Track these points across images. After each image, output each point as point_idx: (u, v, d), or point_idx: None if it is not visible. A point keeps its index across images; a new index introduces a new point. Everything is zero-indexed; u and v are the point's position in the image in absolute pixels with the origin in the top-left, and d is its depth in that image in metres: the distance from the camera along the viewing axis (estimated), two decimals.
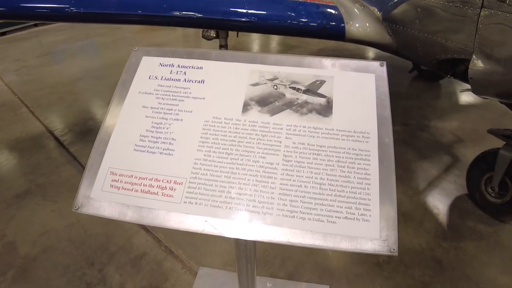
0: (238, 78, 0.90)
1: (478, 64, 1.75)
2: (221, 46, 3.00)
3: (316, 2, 2.43)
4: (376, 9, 2.31)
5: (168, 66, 0.95)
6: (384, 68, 0.91)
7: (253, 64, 0.92)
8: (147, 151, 0.85)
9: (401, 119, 3.56)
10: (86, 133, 3.27)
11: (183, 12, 2.06)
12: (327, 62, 0.91)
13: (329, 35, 2.39)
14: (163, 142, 0.85)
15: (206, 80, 0.92)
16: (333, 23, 2.35)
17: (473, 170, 2.27)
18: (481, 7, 1.64)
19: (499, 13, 1.57)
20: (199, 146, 0.83)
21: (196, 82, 0.91)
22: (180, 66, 0.94)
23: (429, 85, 4.28)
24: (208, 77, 0.92)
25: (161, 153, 0.84)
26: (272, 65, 0.91)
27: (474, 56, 1.76)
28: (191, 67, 0.93)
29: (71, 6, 1.97)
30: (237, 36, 2.92)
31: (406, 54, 2.36)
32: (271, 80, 0.89)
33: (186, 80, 0.92)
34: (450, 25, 1.84)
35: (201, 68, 0.93)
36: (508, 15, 1.51)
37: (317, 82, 0.86)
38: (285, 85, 0.87)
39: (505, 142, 2.02)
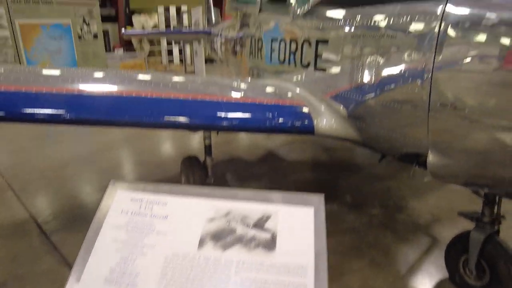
0: (197, 214, 1.05)
1: (434, 157, 1.94)
2: (205, 138, 3.26)
3: (288, 103, 2.72)
4: (341, 107, 2.56)
5: (138, 201, 1.10)
6: (322, 201, 1.06)
7: (212, 199, 1.08)
8: (115, 285, 0.96)
9: (380, 201, 3.69)
10: (71, 221, 3.32)
11: (165, 118, 2.29)
12: (274, 196, 1.07)
13: (300, 132, 2.63)
14: (129, 276, 0.97)
15: (169, 215, 1.07)
16: (303, 121, 2.60)
17: (450, 252, 2.37)
18: (428, 110, 1.86)
19: (444, 114, 1.78)
20: (159, 281, 0.94)
21: (161, 217, 1.06)
22: (148, 202, 1.09)
23: (404, 164, 4.50)
24: (172, 212, 1.07)
25: (126, 286, 0.95)
26: (228, 200, 1.07)
27: (430, 151, 1.95)
28: (157, 203, 1.09)
29: (66, 112, 2.18)
30: (217, 134, 3.19)
31: (372, 147, 2.57)
32: (225, 215, 1.04)
33: (152, 216, 1.07)
34: (405, 123, 2.06)
35: (166, 204, 1.09)
36: (452, 114, 1.70)
37: (264, 218, 1.01)
38: (237, 220, 1.02)
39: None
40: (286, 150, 5.26)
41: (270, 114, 2.59)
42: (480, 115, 1.59)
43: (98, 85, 2.39)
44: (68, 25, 10.28)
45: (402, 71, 1.93)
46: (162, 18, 18.35)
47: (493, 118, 1.56)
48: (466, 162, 1.78)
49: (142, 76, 2.64)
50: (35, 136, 5.94)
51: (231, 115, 2.51)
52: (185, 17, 16.85)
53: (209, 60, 15.53)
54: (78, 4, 10.61)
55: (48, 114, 2.17)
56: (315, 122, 2.61)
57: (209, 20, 9.29)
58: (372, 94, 2.17)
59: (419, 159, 2.23)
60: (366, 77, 2.19)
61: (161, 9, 18.59)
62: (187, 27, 16.79)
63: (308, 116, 2.63)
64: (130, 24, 18.09)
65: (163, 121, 2.30)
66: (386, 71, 2.04)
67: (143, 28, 17.44)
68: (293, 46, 3.01)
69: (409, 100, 1.91)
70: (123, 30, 11.73)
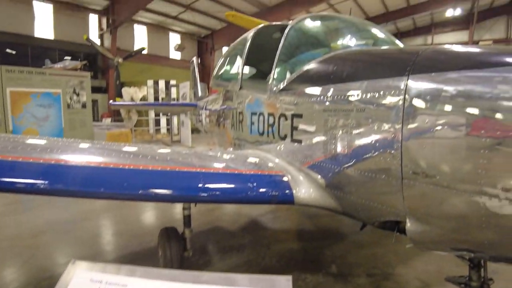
0: None
1: (412, 225, 1.93)
2: (184, 209, 3.21)
3: (266, 172, 2.75)
4: (319, 177, 2.60)
5: (98, 282, 1.04)
6: (290, 283, 1.03)
7: (174, 282, 1.03)
8: None
9: (365, 269, 3.59)
10: None
11: (142, 190, 2.26)
12: (241, 279, 1.03)
13: (279, 202, 2.62)
14: None
15: None
16: (282, 191, 2.60)
17: None
18: (401, 178, 1.89)
19: (417, 182, 1.81)
20: None
21: None
22: (107, 283, 1.03)
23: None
24: None
25: None
26: (191, 284, 1.02)
27: (407, 218, 1.95)
28: (117, 285, 1.03)
29: (44, 183, 2.13)
30: (195, 205, 3.15)
31: (351, 215, 2.56)
32: None
33: None
34: (381, 192, 2.08)
35: (126, 286, 1.03)
36: (425, 182, 1.73)
37: None
38: None
39: None
40: (270, 219, 5.17)
41: (250, 184, 2.59)
42: (451, 181, 1.64)
43: (75, 156, 2.39)
44: (58, 94, 10.53)
45: (374, 142, 2.01)
46: (151, 91, 19.11)
47: (464, 183, 1.60)
48: (444, 228, 1.79)
49: (121, 147, 2.65)
50: (11, 201, 5.73)
51: (211, 186, 2.50)
52: (173, 90, 17.65)
53: (195, 130, 15.91)
54: (70, 76, 11.03)
55: (21, 184, 2.13)
56: (294, 191, 2.62)
57: (195, 93, 9.73)
58: (347, 164, 2.23)
59: (399, 226, 2.22)
60: (340, 148, 2.26)
61: (150, 83, 19.46)
62: (175, 100, 17.49)
63: (287, 185, 2.64)
64: (120, 95, 18.70)
65: (140, 193, 2.27)
66: (359, 142, 2.12)
67: (132, 99, 18.01)
68: (271, 119, 3.15)
69: (383, 169, 1.97)
70: (110, 101, 12.06)
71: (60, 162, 2.26)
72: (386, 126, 1.92)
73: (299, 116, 2.71)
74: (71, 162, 2.28)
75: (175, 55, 25.38)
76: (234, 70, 4.57)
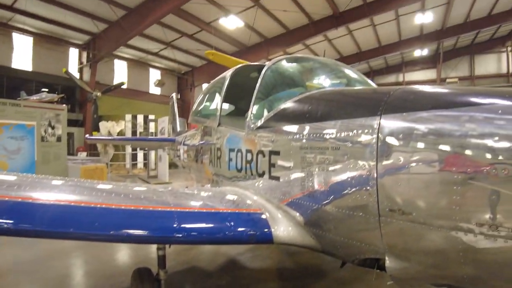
0: None
1: (392, 261, 1.93)
2: (158, 249, 3.08)
3: (244, 211, 2.71)
4: (297, 214, 2.58)
5: None
6: None
7: None
8: None
9: None
10: None
11: (113, 231, 2.17)
12: None
13: (258, 242, 2.57)
14: None
15: None
16: (261, 230, 2.56)
17: None
18: (379, 216, 1.91)
19: (394, 219, 1.82)
20: None
21: None
22: None
23: None
24: None
25: None
26: None
27: (386, 256, 1.94)
28: None
29: (8, 222, 2.00)
30: (169, 247, 3.04)
31: (330, 253, 2.53)
32: None
33: None
34: (359, 229, 2.08)
35: None
36: (402, 218, 1.74)
37: None
38: None
39: None
40: (249, 257, 5.03)
41: (228, 223, 2.54)
42: (427, 218, 1.67)
43: (44, 194, 2.29)
44: (32, 127, 10.25)
45: (350, 179, 2.04)
46: (129, 125, 18.94)
47: (440, 219, 1.63)
48: (424, 264, 1.80)
49: (94, 185, 2.57)
50: None
51: (186, 226, 2.42)
52: (151, 124, 17.59)
53: (173, 165, 15.69)
54: (46, 108, 10.82)
55: None
56: (273, 230, 2.58)
57: (174, 128, 9.72)
58: (325, 202, 2.24)
59: (379, 263, 2.21)
60: (317, 185, 2.29)
61: (128, 117, 19.34)
62: (153, 135, 17.37)
63: (266, 224, 2.61)
64: (97, 129, 18.41)
65: (111, 234, 2.17)
66: (335, 180, 2.15)
67: (109, 133, 17.74)
68: (249, 156, 3.15)
69: (360, 206, 1.99)
70: (86, 135, 11.80)
71: (27, 200, 2.15)
72: (361, 164, 1.97)
73: (277, 153, 2.73)
74: (39, 200, 2.18)
75: (155, 90, 25.50)
76: (212, 107, 4.62)
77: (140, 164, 18.39)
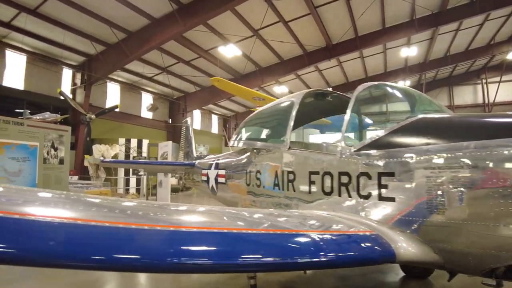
0: None
1: None
2: (250, 278, 2.94)
3: (360, 232, 2.64)
4: (419, 232, 2.58)
5: None
6: None
7: None
8: None
9: None
10: None
11: (239, 260, 1.93)
12: None
13: (382, 261, 2.51)
14: None
15: None
16: (382, 249, 2.50)
17: None
18: None
19: None
20: None
21: None
22: None
23: (420, 283, 4.47)
24: None
25: None
26: None
27: None
28: None
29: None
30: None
31: (453, 267, 2.55)
32: None
33: None
34: (503, 239, 2.13)
35: None
36: None
37: None
38: None
39: None
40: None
41: (347, 245, 2.47)
42: None
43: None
44: (35, 148, 9.80)
45: (493, 193, 2.17)
46: (123, 149, 18.50)
47: None
48: None
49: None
50: None
51: (306, 248, 2.31)
52: (144, 149, 17.24)
53: (173, 190, 15.26)
54: (50, 129, 10.40)
55: None
56: (395, 249, 2.53)
57: (187, 154, 9.53)
58: (461, 218, 2.32)
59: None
60: (450, 203, 2.39)
61: (122, 141, 18.91)
62: (147, 159, 16.97)
63: (385, 243, 2.55)
64: (89, 152, 17.81)
65: (234, 263, 1.89)
66: (475, 195, 2.28)
67: (103, 157, 17.19)
68: (345, 178, 3.12)
69: (503, 216, 2.11)
70: (101, 158, 11.40)
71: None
72: (503, 177, 2.11)
73: (390, 174, 2.72)
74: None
75: (146, 114, 25.19)
76: (276, 131, 4.58)
77: (132, 190, 17.80)
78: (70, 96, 18.69)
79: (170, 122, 27.37)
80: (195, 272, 2.39)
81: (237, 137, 5.32)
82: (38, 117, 14.26)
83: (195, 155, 8.98)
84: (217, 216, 2.51)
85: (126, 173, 17.97)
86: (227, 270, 2.13)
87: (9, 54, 17.80)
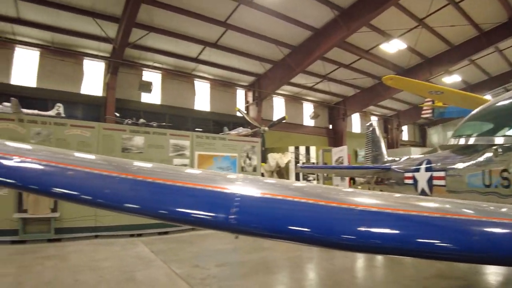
0: None
1: None
2: None
3: None
4: None
5: None
6: None
7: None
8: None
9: None
10: None
11: None
12: None
13: None
14: None
15: None
16: None
17: None
18: None
19: None
20: None
21: None
22: None
23: None
24: None
25: None
26: None
27: None
28: None
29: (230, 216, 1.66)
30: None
31: None
32: None
33: None
34: None
35: None
36: None
37: None
38: None
39: None
40: None
41: None
42: None
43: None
44: (235, 158, 11.41)
45: None
46: (293, 156, 19.70)
47: None
48: None
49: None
50: (220, 263, 5.84)
51: None
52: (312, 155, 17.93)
53: None
54: (245, 141, 11.98)
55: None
56: None
57: (376, 157, 9.35)
58: None
59: None
60: None
61: (291, 148, 20.14)
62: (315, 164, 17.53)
63: None
64: (264, 161, 19.66)
65: None
66: None
67: (277, 164, 18.69)
68: None
69: None
70: (298, 164, 12.72)
71: None
72: None
73: None
74: None
75: (308, 122, 26.24)
76: None
77: None
78: (245, 112, 21.17)
79: (331, 127, 27.69)
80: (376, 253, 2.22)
81: (459, 135, 4.88)
82: (234, 132, 16.57)
83: (385, 159, 8.72)
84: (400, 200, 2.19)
85: (296, 177, 19.00)
86: (409, 254, 1.83)
87: (197, 84, 21.54)
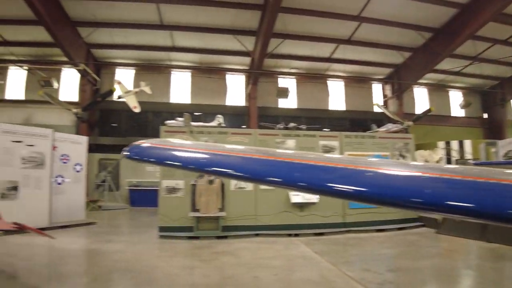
0: None
1: None
2: None
3: None
4: None
5: None
6: None
7: None
8: None
9: None
10: None
11: None
12: None
13: None
14: None
15: None
16: None
17: None
18: None
19: None
20: None
21: None
22: None
23: None
24: None
25: None
26: None
27: None
28: None
29: None
30: None
31: None
32: None
33: None
34: None
35: None
36: None
37: None
38: None
39: None
40: None
41: None
42: None
43: None
44: (387, 157, 10.73)
45: None
46: (444, 152, 17.62)
47: None
48: None
49: None
50: None
51: None
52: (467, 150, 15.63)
53: None
54: (396, 138, 11.22)
55: None
56: None
57: None
58: None
59: None
60: None
61: (441, 144, 18.04)
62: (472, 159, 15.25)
63: None
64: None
65: None
66: None
67: (426, 161, 16.97)
68: None
69: None
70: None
71: None
72: None
73: None
74: None
75: (457, 113, 23.11)
76: None
77: None
78: (384, 106, 19.91)
79: (485, 116, 23.77)
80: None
81: None
82: (383, 129, 15.84)
83: None
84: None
85: None
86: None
87: (331, 83, 21.32)
